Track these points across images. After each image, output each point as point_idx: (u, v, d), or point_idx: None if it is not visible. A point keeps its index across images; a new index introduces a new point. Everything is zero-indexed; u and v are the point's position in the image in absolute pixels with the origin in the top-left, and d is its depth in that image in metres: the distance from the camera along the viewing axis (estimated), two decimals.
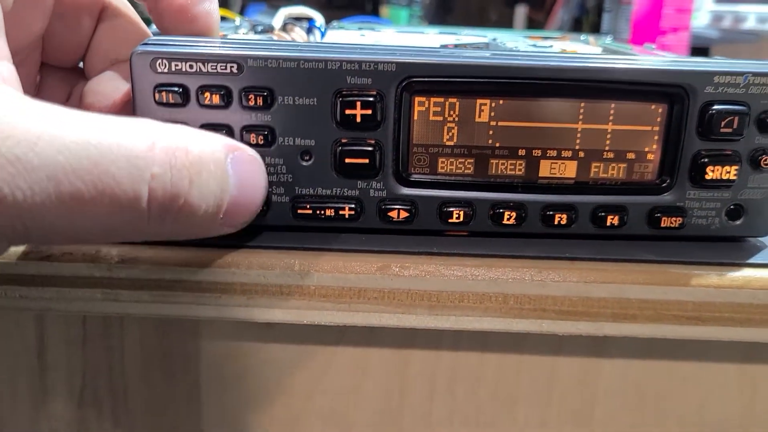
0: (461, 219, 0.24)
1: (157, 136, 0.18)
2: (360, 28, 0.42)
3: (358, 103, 0.23)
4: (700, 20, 0.62)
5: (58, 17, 0.22)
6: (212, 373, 0.27)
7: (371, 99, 0.23)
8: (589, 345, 0.26)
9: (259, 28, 0.37)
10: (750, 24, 0.61)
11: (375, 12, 0.74)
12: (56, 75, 0.26)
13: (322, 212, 0.24)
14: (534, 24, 0.77)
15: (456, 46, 0.36)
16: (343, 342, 0.27)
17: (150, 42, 0.23)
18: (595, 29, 0.67)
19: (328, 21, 0.41)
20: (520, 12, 0.79)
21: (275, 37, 0.37)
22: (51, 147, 0.16)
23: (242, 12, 0.67)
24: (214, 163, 0.20)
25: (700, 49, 0.64)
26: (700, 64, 0.24)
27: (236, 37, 0.27)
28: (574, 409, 0.28)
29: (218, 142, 0.20)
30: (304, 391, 0.27)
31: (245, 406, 0.28)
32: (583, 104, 0.24)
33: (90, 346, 0.27)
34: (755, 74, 0.23)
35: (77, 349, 0.27)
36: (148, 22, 0.27)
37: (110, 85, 0.24)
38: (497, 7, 0.80)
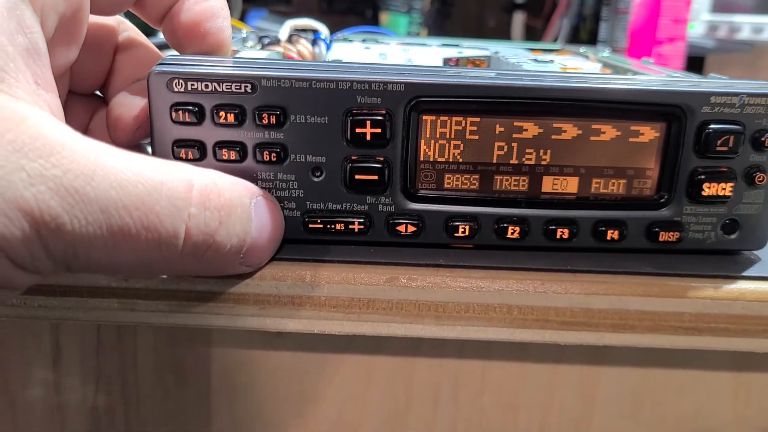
0: (467, 233, 0.25)
1: (195, 179, 0.20)
2: (364, 40, 0.42)
3: (368, 122, 0.23)
4: (696, 30, 0.63)
5: (84, 47, 0.23)
6: (223, 380, 0.28)
7: (380, 118, 0.23)
8: (588, 353, 0.27)
9: (266, 41, 0.38)
10: (745, 34, 0.62)
11: (375, 18, 0.75)
12: (79, 102, 0.27)
13: (333, 226, 0.25)
14: (531, 31, 0.78)
15: (458, 59, 0.37)
16: (351, 350, 0.27)
17: (166, 62, 0.23)
18: (592, 37, 0.68)
19: (328, 27, 0.42)
20: (518, 19, 0.79)
21: (281, 50, 0.37)
22: (105, 182, 0.17)
23: (243, 18, 0.68)
24: (240, 206, 0.21)
25: (695, 59, 0.65)
26: (696, 84, 0.24)
27: (249, 56, 0.28)
28: (574, 415, 0.28)
29: (244, 187, 0.22)
30: (312, 398, 0.28)
31: (255, 413, 0.28)
32: (584, 123, 0.24)
33: (104, 354, 0.28)
34: (750, 95, 0.24)
35: (91, 357, 0.28)
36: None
37: (136, 98, 0.25)
38: (495, 14, 0.81)
